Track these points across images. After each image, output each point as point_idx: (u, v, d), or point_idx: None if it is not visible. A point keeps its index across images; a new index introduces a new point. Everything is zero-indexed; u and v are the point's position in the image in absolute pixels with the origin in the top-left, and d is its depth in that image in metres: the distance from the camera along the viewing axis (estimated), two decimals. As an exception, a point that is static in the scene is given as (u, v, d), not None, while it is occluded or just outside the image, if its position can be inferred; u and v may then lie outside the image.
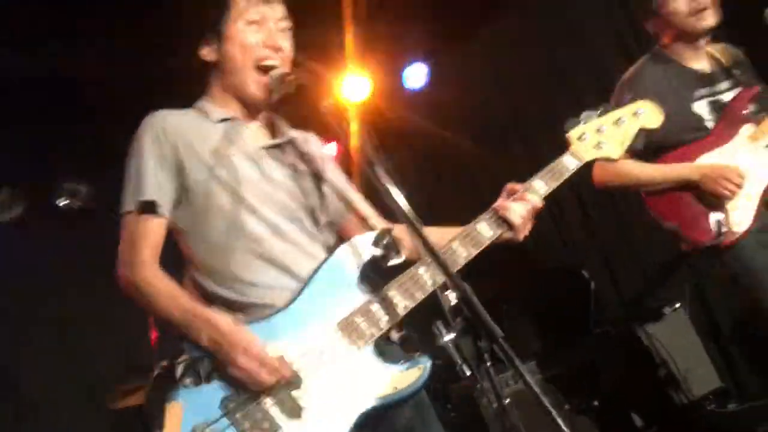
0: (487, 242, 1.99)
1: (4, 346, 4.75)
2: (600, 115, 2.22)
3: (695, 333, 4.64)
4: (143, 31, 4.12)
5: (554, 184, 2.10)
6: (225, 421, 1.72)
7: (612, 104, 2.65)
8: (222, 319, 1.80)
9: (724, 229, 3.00)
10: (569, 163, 2.13)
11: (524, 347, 5.36)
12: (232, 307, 1.91)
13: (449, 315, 1.49)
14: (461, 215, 2.02)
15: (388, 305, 1.88)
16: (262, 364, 1.73)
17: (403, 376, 1.84)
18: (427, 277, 1.89)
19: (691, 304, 4.71)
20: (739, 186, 2.98)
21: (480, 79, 5.99)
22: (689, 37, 3.18)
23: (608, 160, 2.21)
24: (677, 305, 4.70)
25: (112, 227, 2.03)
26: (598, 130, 2.20)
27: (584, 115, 2.22)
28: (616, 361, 4.63)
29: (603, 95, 3.29)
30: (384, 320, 1.87)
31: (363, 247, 1.95)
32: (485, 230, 1.99)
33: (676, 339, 4.57)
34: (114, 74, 4.47)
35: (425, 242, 1.62)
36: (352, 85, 5.41)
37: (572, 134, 2.18)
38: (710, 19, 3.11)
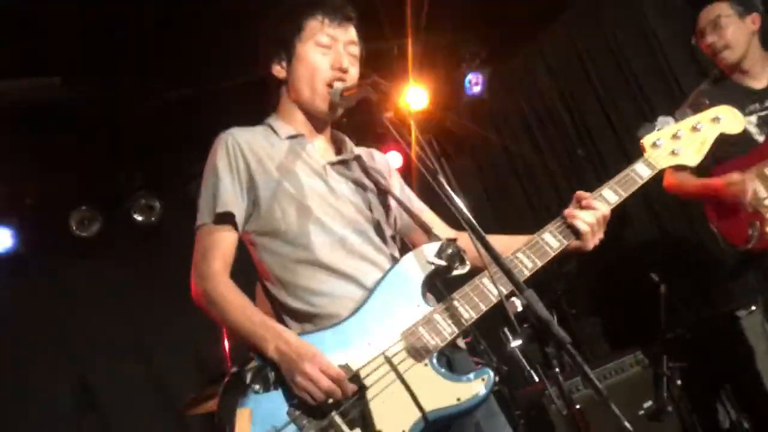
0: (554, 253, 1.96)
1: (86, 358, 4.95)
2: (677, 121, 2.14)
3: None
4: (220, 49, 4.26)
5: (625, 194, 2.04)
6: (292, 427, 1.76)
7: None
8: (289, 332, 1.85)
9: (756, 234, 3.24)
10: (642, 171, 2.07)
11: (592, 351, 5.28)
12: (301, 317, 1.97)
13: (515, 321, 1.49)
14: (525, 224, 2.01)
15: (451, 316, 1.88)
16: (327, 374, 1.76)
17: (466, 387, 1.84)
18: (491, 287, 1.88)
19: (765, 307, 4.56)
20: (744, 193, 3.21)
21: (540, 86, 5.95)
22: (727, 70, 3.48)
23: (684, 168, 2.14)
24: (753, 308, 4.55)
25: (184, 241, 2.12)
26: (674, 136, 2.12)
27: (660, 120, 2.14)
28: (691, 365, 4.51)
29: (670, 104, 3.42)
30: (447, 331, 1.88)
31: (427, 257, 1.96)
32: (551, 240, 1.96)
33: (753, 341, 4.42)
34: (186, 92, 4.65)
35: (489, 250, 1.63)
36: (413, 96, 5.45)
37: (646, 141, 2.11)
38: (729, 58, 3.42)
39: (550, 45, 5.78)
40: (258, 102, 2.27)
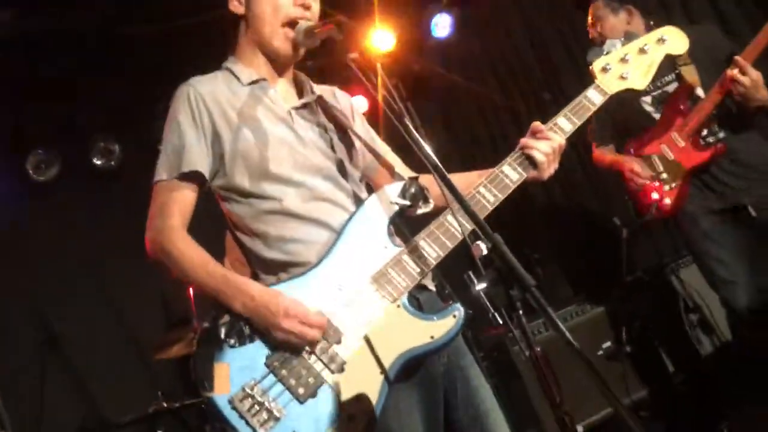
0: (514, 185, 1.97)
1: (47, 302, 4.89)
2: (624, 44, 2.16)
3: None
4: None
5: (579, 122, 2.05)
6: (272, 377, 1.76)
7: None
8: (254, 286, 1.83)
9: (655, 205, 3.64)
10: (594, 97, 2.08)
11: (555, 295, 5.38)
12: (276, 267, 1.95)
13: (480, 264, 1.50)
14: (491, 166, 2.01)
15: (419, 256, 1.89)
16: (305, 323, 1.76)
17: (438, 325, 1.86)
18: (456, 225, 1.88)
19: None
20: (634, 178, 3.65)
21: (507, 28, 5.89)
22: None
23: (634, 91, 2.16)
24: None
25: (145, 186, 2.07)
26: (623, 60, 2.13)
27: (608, 43, 2.17)
28: (648, 308, 4.63)
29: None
30: (416, 271, 1.88)
31: (390, 197, 1.95)
32: (511, 173, 1.97)
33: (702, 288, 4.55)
34: (149, 29, 4.49)
35: (454, 193, 1.62)
36: (379, 38, 5.36)
37: (596, 66, 2.13)
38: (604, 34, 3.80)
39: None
40: (222, 41, 2.19)
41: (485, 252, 1.49)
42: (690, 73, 3.53)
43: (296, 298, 1.81)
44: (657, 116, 3.68)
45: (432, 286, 2.03)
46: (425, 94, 6.40)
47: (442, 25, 5.78)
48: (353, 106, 2.28)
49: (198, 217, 2.00)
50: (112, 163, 5.25)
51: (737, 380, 4.22)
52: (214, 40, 2.26)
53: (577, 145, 5.60)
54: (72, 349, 4.92)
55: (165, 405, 3.99)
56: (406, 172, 2.18)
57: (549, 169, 2.00)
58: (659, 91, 3.68)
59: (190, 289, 3.68)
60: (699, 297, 4.50)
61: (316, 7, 2.07)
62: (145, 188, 2.04)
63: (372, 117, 2.38)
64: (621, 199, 5.38)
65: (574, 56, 5.41)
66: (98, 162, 5.22)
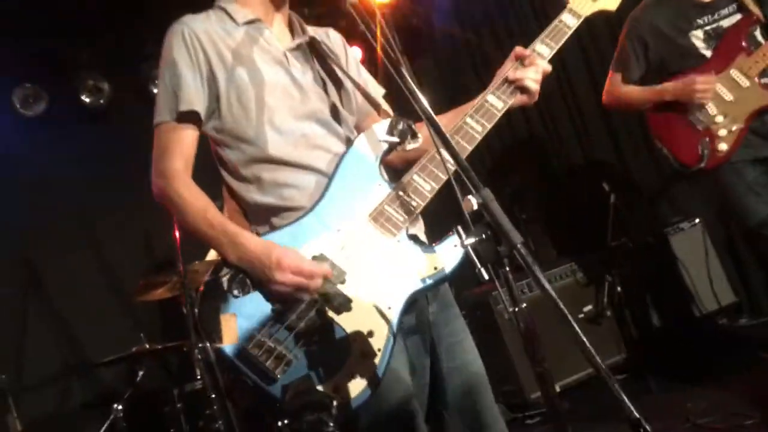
0: (499, 113, 1.98)
1: (29, 238, 4.86)
2: None
3: (713, 248, 4.67)
4: None
5: (557, 46, 2.07)
6: (279, 322, 1.76)
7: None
8: (249, 238, 1.81)
9: (707, 153, 3.27)
10: (568, 20, 2.08)
11: (540, 256, 5.42)
12: (271, 212, 1.93)
13: (469, 219, 1.49)
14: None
15: (414, 190, 1.89)
16: (299, 274, 1.74)
17: (440, 257, 1.88)
18: (447, 156, 1.84)
19: (709, 219, 4.72)
20: (709, 91, 3.24)
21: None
22: None
23: (606, 12, 2.15)
24: (696, 221, 4.70)
25: (133, 126, 2.04)
26: None
27: None
28: (632, 274, 4.67)
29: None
30: (413, 204, 1.89)
31: (378, 135, 1.95)
32: (495, 101, 1.98)
33: (693, 254, 4.60)
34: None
35: (449, 147, 1.60)
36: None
37: None
38: None
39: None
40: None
41: (476, 207, 1.48)
42: (753, 4, 3.25)
43: (293, 246, 1.80)
44: (708, 53, 3.33)
45: (422, 234, 2.03)
46: (421, 50, 6.32)
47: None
48: (346, 46, 2.24)
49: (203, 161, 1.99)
50: (101, 101, 5.17)
51: (713, 348, 4.30)
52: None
53: (566, 97, 5.58)
54: (54, 289, 4.91)
55: (147, 346, 4.01)
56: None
57: (536, 95, 2.02)
58: (714, 25, 3.34)
59: (176, 232, 3.67)
60: (682, 266, 4.55)
61: None
62: (133, 129, 2.02)
63: (367, 66, 2.34)
64: (612, 164, 5.42)
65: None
66: (87, 99, 5.14)
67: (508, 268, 1.52)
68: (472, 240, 1.52)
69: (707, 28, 3.35)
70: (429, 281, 1.86)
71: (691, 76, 3.28)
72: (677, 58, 3.40)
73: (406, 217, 1.88)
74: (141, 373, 4.19)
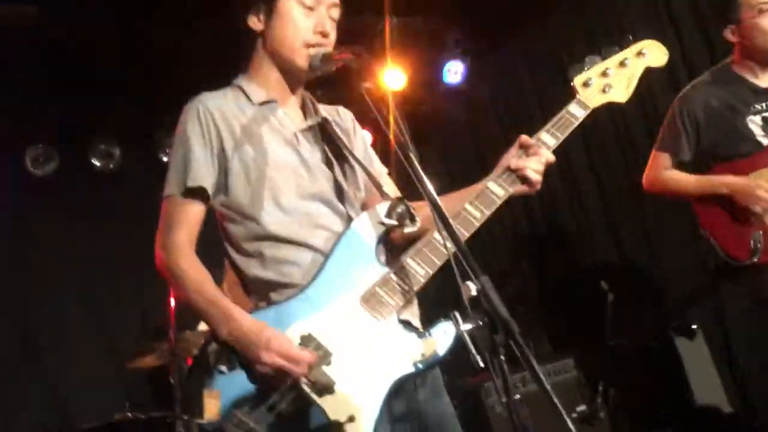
0: (500, 201, 1.98)
1: (28, 299, 4.84)
2: (604, 58, 2.17)
3: (710, 355, 4.62)
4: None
5: (562, 136, 2.06)
6: (263, 402, 1.75)
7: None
8: (242, 316, 1.83)
9: (760, 247, 3.03)
10: (576, 111, 2.09)
11: (535, 351, 5.35)
12: (269, 287, 1.95)
13: (468, 305, 1.49)
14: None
15: (407, 273, 1.88)
16: (285, 358, 1.74)
17: (428, 344, 1.85)
18: (444, 242, 1.86)
19: (709, 325, 4.68)
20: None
21: (518, 83, 5.96)
22: (762, 57, 3.20)
23: (615, 104, 2.15)
24: (694, 326, 4.66)
25: (140, 193, 2.08)
26: (603, 74, 2.14)
27: (588, 59, 2.18)
28: (629, 375, 4.60)
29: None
30: (405, 288, 1.88)
31: (379, 216, 1.96)
32: (497, 189, 1.99)
33: (690, 360, 4.54)
34: (155, 43, 4.53)
35: (452, 233, 1.61)
36: (391, 76, 5.42)
37: (577, 81, 2.13)
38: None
39: (533, 42, 5.78)
40: (233, 53, 2.21)
41: (474, 293, 1.48)
42: None
43: (282, 325, 1.81)
44: (766, 141, 3.13)
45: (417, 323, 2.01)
46: (429, 139, 6.45)
47: (454, 72, 5.85)
48: (355, 123, 2.29)
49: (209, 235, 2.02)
50: (111, 166, 5.25)
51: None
52: (226, 54, 2.28)
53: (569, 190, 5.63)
54: (47, 349, 4.86)
55: (130, 415, 3.92)
56: (396, 193, 2.19)
57: (539, 185, 2.02)
58: None
59: (171, 301, 3.66)
60: (686, 371, 4.47)
61: (333, 36, 2.10)
62: (141, 196, 2.06)
63: (377, 151, 2.39)
64: (612, 263, 5.43)
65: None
66: (97, 163, 5.22)
67: (503, 358, 1.51)
68: (468, 326, 1.51)
69: (766, 114, 3.18)
70: (415, 367, 1.84)
71: (755, 182, 3.08)
72: (732, 141, 3.19)
73: (398, 301, 1.88)
74: (122, 443, 4.08)
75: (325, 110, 2.21)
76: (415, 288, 1.89)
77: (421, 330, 1.91)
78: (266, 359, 1.74)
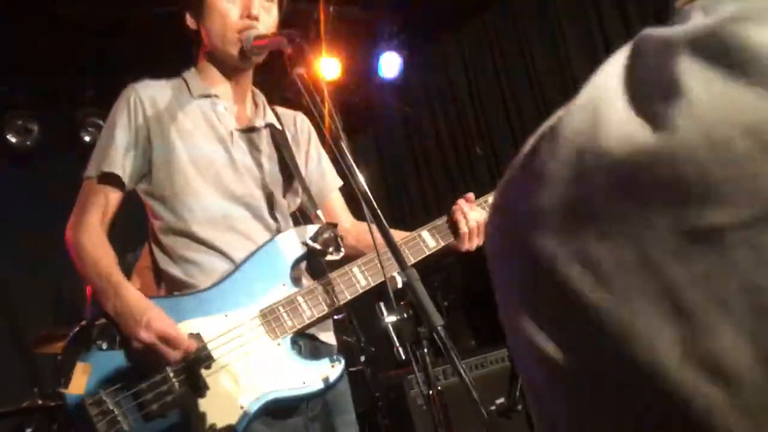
0: (429, 252, 1.98)
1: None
2: None
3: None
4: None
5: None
6: (129, 387, 1.73)
7: None
8: (130, 293, 1.80)
9: None
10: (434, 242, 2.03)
11: (458, 344, 5.42)
12: (176, 285, 1.93)
13: (392, 297, 1.49)
14: (416, 214, 2.01)
15: (313, 299, 1.88)
16: (163, 340, 1.72)
17: (314, 371, 1.84)
18: (360, 277, 1.89)
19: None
20: None
21: (451, 78, 6.01)
22: None
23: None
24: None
25: (58, 174, 2.03)
26: None
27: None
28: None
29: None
30: (306, 314, 1.87)
31: (303, 237, 1.94)
32: (429, 239, 1.98)
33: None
34: (83, 15, 4.36)
35: (381, 226, 1.60)
36: (325, 64, 5.38)
37: None
38: None
39: (468, 39, 5.84)
40: (179, 36, 2.15)
41: (400, 285, 1.48)
42: None
43: (175, 317, 1.78)
44: None
45: (327, 339, 2.00)
46: (360, 130, 6.45)
47: (389, 64, 5.84)
48: (311, 132, 2.26)
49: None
50: (28, 143, 5.03)
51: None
52: (159, 35, 2.21)
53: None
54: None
55: (40, 402, 3.77)
56: (345, 213, 2.20)
57: (470, 242, 2.00)
58: None
59: (89, 288, 3.54)
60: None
61: (268, 20, 2.05)
62: (58, 175, 2.02)
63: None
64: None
65: (509, 115, 5.56)
66: (13, 140, 4.99)
67: (426, 350, 1.51)
68: (393, 318, 1.52)
69: None
70: (291, 393, 1.82)
71: None
72: None
73: (295, 324, 1.86)
74: (29, 430, 3.93)
75: (280, 114, 2.18)
76: (317, 315, 1.88)
77: (317, 352, 1.91)
78: (143, 336, 1.72)
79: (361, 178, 1.66)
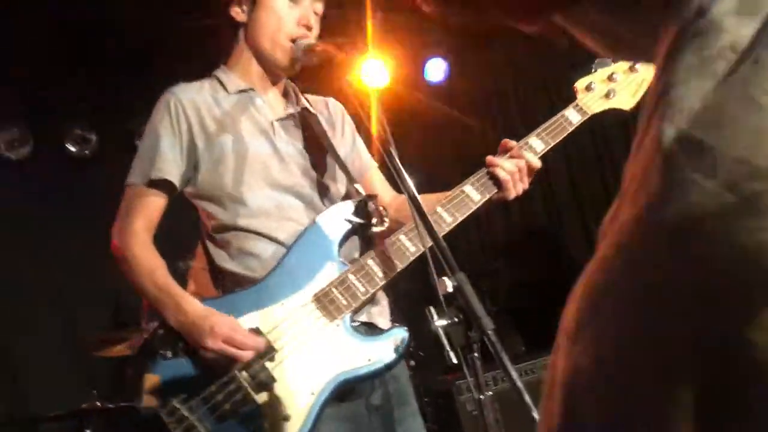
0: (475, 206, 1.93)
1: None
2: (615, 61, 1.97)
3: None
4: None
5: (553, 142, 1.97)
6: (200, 392, 1.75)
7: None
8: (189, 303, 1.82)
9: None
10: (572, 117, 1.99)
11: (508, 349, 5.36)
12: (231, 279, 1.94)
13: (443, 301, 1.50)
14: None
15: (365, 275, 1.86)
16: (230, 343, 1.74)
17: (377, 349, 1.83)
18: (409, 245, 1.85)
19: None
20: None
21: (498, 85, 5.97)
22: None
23: (619, 111, 1.99)
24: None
25: (115, 183, 2.07)
26: (609, 78, 1.98)
27: (597, 62, 1.99)
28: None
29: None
30: (361, 291, 1.86)
31: (345, 214, 1.93)
32: (472, 192, 1.94)
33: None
34: (136, 26, 4.48)
35: (430, 231, 1.61)
36: (373, 71, 5.39)
37: (579, 84, 1.99)
38: None
39: (514, 46, 5.80)
40: (211, 46, 2.19)
41: (450, 289, 1.48)
42: None
43: (232, 315, 1.80)
44: None
45: (388, 326, 1.98)
46: (410, 135, 6.44)
47: (435, 69, 5.84)
48: (345, 115, 2.27)
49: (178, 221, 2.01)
50: (87, 152, 5.17)
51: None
52: (207, 43, 2.26)
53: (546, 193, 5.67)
54: (14, 336, 4.78)
55: (98, 404, 3.87)
56: (384, 187, 2.17)
57: (515, 188, 1.95)
58: None
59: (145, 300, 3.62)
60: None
61: (316, 31, 2.08)
62: (117, 183, 2.05)
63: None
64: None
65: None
66: (72, 149, 5.14)
67: (476, 354, 1.51)
68: (443, 322, 1.52)
69: None
70: (357, 373, 1.82)
71: None
72: None
73: (351, 302, 1.85)
74: (88, 431, 4.03)
75: (312, 101, 2.19)
76: (371, 290, 1.86)
77: (378, 332, 1.89)
78: (210, 344, 1.74)
79: (410, 183, 1.67)
